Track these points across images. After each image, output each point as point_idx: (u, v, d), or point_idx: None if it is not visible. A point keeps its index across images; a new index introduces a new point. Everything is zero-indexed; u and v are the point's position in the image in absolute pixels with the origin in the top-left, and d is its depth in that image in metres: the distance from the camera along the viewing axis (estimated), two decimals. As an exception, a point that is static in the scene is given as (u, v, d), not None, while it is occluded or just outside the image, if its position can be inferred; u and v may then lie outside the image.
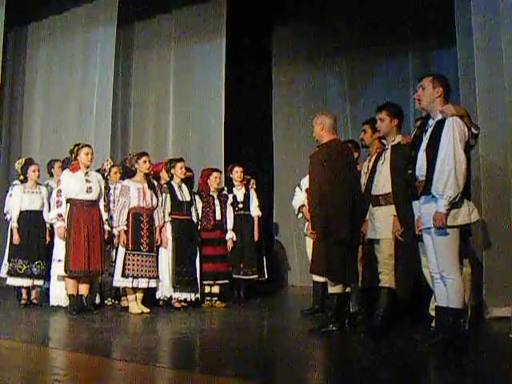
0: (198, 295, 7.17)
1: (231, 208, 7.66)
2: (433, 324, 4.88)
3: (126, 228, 6.80)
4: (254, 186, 8.12)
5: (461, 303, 4.48)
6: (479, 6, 6.48)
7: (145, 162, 6.95)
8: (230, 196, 7.73)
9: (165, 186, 7.19)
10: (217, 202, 7.51)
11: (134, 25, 10.05)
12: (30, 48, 10.47)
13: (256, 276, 7.78)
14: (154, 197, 6.96)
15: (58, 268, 6.77)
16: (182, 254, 7.03)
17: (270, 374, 4.09)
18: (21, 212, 7.19)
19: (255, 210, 7.89)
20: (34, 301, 7.29)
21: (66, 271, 6.61)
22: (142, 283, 6.77)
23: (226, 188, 7.87)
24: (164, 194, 7.10)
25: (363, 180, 5.56)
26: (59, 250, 6.76)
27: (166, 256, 7.01)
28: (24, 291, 7.25)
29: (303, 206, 6.88)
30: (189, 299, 7.06)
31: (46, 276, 7.13)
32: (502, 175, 6.33)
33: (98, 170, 7.42)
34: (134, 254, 6.75)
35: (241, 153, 9.81)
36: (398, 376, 4.05)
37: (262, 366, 4.33)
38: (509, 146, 6.27)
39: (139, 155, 7.02)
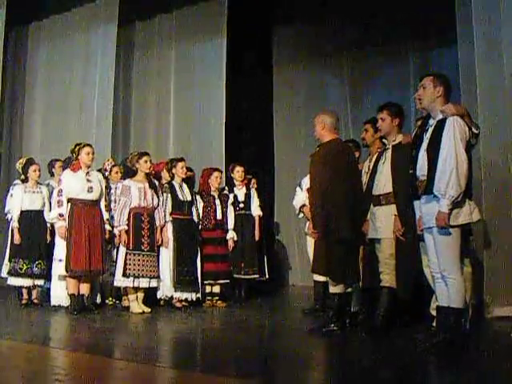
0: (199, 295, 7.16)
1: (232, 208, 7.66)
2: (434, 324, 4.87)
3: (126, 228, 6.80)
4: (255, 186, 8.13)
5: (462, 303, 4.48)
6: (479, 6, 6.48)
7: (146, 161, 6.95)
8: (231, 196, 7.73)
9: (166, 185, 7.19)
10: (218, 201, 7.51)
11: (135, 24, 10.06)
12: (30, 48, 10.48)
13: (257, 275, 7.78)
14: (155, 196, 6.96)
15: (58, 268, 6.77)
16: (182, 254, 7.04)
17: (270, 373, 4.09)
18: (22, 212, 7.20)
19: (256, 210, 7.89)
20: (35, 301, 7.29)
21: (66, 271, 6.62)
22: (143, 283, 6.78)
23: (226, 188, 7.87)
24: (165, 194, 7.10)
25: (364, 179, 5.56)
26: (60, 249, 6.77)
27: (166, 256, 7.01)
28: (25, 291, 7.25)
29: (304, 205, 6.87)
30: (190, 299, 7.06)
31: (47, 276, 7.13)
32: (503, 174, 6.33)
33: (99, 170, 7.42)
34: (134, 254, 6.75)
35: (241, 152, 9.81)
36: (399, 376, 4.05)
37: (263, 365, 4.33)
38: (509, 146, 6.28)
39: (140, 155, 7.02)
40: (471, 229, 5.12)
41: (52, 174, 7.74)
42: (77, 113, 9.59)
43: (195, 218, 7.28)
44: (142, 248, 6.79)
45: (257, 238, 7.83)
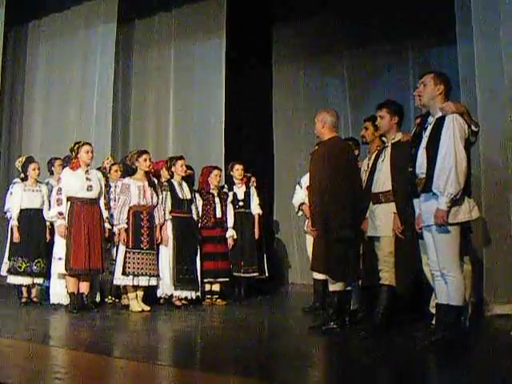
0: (199, 293, 7.17)
1: (231, 206, 7.66)
2: (433, 321, 4.87)
3: (126, 226, 6.81)
4: (255, 184, 8.13)
5: (461, 300, 4.48)
6: (479, 5, 6.48)
7: (145, 160, 6.95)
8: (231, 194, 7.73)
9: (165, 183, 7.19)
10: (217, 199, 7.51)
11: (135, 23, 10.05)
12: (30, 46, 10.47)
13: (256, 274, 7.79)
14: (155, 195, 6.96)
15: (58, 266, 6.77)
16: (182, 252, 7.04)
17: (270, 371, 4.09)
18: (21, 210, 7.20)
19: (256, 208, 7.89)
20: (35, 299, 7.29)
21: (66, 269, 6.61)
22: (143, 281, 6.78)
23: (226, 186, 7.87)
24: (164, 192, 7.10)
25: (363, 177, 5.56)
26: (59, 248, 6.76)
27: (166, 254, 7.02)
28: (24, 289, 7.26)
29: (303, 203, 6.88)
30: (189, 297, 7.07)
31: (47, 274, 7.13)
32: (503, 172, 6.33)
33: (99, 168, 7.43)
34: (134, 252, 6.75)
35: (241, 151, 9.81)
36: (399, 373, 4.05)
37: (263, 363, 4.33)
38: (509, 144, 6.27)
39: (139, 153, 7.02)
40: (471, 226, 5.12)
41: (51, 173, 7.74)
42: (76, 111, 9.59)
43: (195, 217, 7.28)
44: (142, 246, 6.79)
45: (256, 236, 7.83)
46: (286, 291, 9.66)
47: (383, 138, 5.49)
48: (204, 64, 9.46)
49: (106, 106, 9.13)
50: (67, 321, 6.33)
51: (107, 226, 6.89)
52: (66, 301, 6.79)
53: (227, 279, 7.52)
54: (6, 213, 7.38)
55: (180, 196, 7.16)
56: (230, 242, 7.55)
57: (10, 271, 7.16)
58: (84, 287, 6.75)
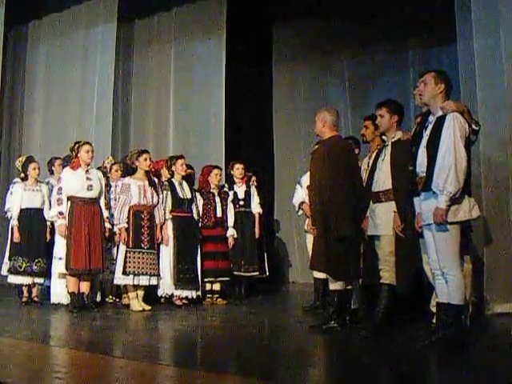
0: (200, 292, 7.17)
1: (232, 205, 7.66)
2: (434, 320, 4.88)
3: (126, 226, 6.81)
4: (255, 183, 8.12)
5: (462, 299, 4.48)
6: (479, 4, 6.47)
7: (145, 159, 6.95)
8: (231, 193, 7.73)
9: (165, 183, 7.20)
10: (217, 199, 7.51)
11: (134, 23, 10.05)
12: (30, 46, 10.47)
13: (257, 273, 7.78)
14: (155, 194, 6.97)
15: (58, 266, 6.77)
16: (183, 252, 7.04)
17: (271, 370, 4.09)
18: (21, 210, 7.20)
19: (256, 207, 7.88)
20: (35, 299, 7.30)
21: (67, 269, 6.62)
22: (143, 281, 6.78)
23: (226, 185, 7.87)
24: (165, 192, 7.10)
25: (364, 176, 5.56)
26: (60, 247, 6.77)
27: (167, 253, 7.02)
28: (25, 289, 7.26)
29: (303, 202, 6.89)
30: (190, 297, 7.07)
31: (47, 274, 7.14)
32: (503, 171, 6.33)
33: (99, 168, 7.43)
34: (134, 252, 6.76)
35: (241, 150, 9.82)
36: (399, 373, 4.05)
37: (264, 362, 4.33)
38: (509, 143, 6.27)
39: (140, 153, 7.02)
40: (471, 225, 5.12)
41: (52, 172, 7.75)
42: (76, 111, 9.59)
43: (195, 216, 7.28)
44: (142, 246, 6.80)
45: (257, 235, 7.82)
46: (286, 290, 9.66)
47: (383, 137, 5.49)
48: (204, 63, 9.46)
49: (106, 105, 9.13)
50: (68, 320, 6.34)
51: (107, 225, 6.89)
52: (66, 300, 6.79)
53: (228, 278, 7.52)
54: (6, 212, 7.38)
55: (180, 195, 7.16)
56: (231, 241, 7.55)
57: (11, 271, 7.17)
58: (84, 287, 6.75)
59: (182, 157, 7.31)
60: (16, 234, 7.16)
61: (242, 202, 7.80)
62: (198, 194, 7.43)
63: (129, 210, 6.84)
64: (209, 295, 7.39)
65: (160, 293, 7.06)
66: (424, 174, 4.54)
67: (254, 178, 8.17)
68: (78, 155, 6.81)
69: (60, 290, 6.86)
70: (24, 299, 7.24)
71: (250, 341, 5.21)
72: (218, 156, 8.72)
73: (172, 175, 7.26)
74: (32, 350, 4.76)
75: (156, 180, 7.14)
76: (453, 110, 4.46)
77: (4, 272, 7.33)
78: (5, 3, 9.12)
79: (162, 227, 7.02)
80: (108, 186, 7.16)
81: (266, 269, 7.98)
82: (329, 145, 5.43)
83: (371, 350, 4.78)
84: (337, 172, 5.26)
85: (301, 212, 7.16)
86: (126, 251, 6.75)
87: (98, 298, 7.19)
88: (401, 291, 5.16)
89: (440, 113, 4.53)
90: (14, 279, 7.23)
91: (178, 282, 6.97)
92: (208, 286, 7.41)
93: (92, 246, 6.64)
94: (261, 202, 8.00)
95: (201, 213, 7.36)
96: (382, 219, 5.17)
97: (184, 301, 7.04)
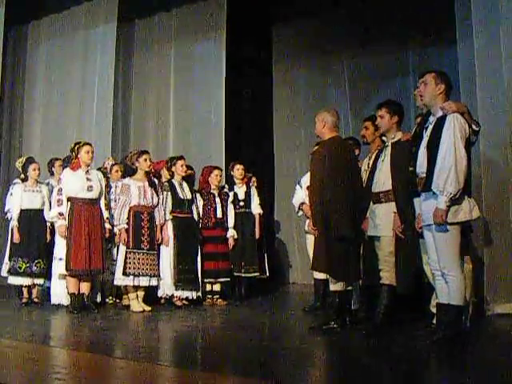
0: (200, 293, 7.17)
1: (232, 206, 7.66)
2: (434, 321, 4.88)
3: (126, 226, 6.81)
4: (255, 184, 8.12)
5: (462, 300, 4.49)
6: (479, 5, 6.47)
7: (145, 160, 6.95)
8: (231, 194, 7.72)
9: (166, 184, 7.19)
10: (218, 199, 7.51)
11: (134, 23, 10.04)
12: (29, 47, 10.47)
13: (257, 274, 7.77)
14: (155, 195, 6.97)
15: (58, 267, 6.77)
16: (183, 252, 7.04)
17: (271, 371, 4.09)
18: (21, 211, 7.20)
19: (256, 208, 7.88)
20: (35, 299, 7.30)
21: (67, 270, 6.61)
22: (143, 281, 6.78)
23: (226, 186, 7.86)
24: (165, 192, 7.10)
25: (364, 177, 5.56)
26: (60, 248, 6.76)
27: (167, 254, 7.02)
28: (25, 290, 7.26)
29: (303, 203, 6.89)
30: (190, 297, 7.07)
31: (47, 275, 7.14)
32: (503, 172, 6.33)
33: (99, 169, 7.43)
34: (134, 253, 6.76)
35: (241, 151, 9.83)
36: (399, 373, 4.05)
37: (264, 363, 4.33)
38: (509, 143, 6.27)
39: (140, 153, 7.02)
40: (471, 226, 5.12)
41: (52, 173, 7.74)
42: (76, 111, 9.59)
43: (195, 217, 7.28)
44: (142, 247, 6.80)
45: (257, 236, 7.82)
46: (286, 291, 9.65)
47: (383, 138, 5.49)
48: (204, 64, 9.46)
49: (106, 105, 9.12)
50: (68, 321, 6.34)
51: (108, 226, 6.89)
52: (66, 301, 6.79)
53: (228, 279, 7.51)
54: (6, 213, 7.38)
55: (180, 196, 7.16)
56: (231, 242, 7.54)
57: (11, 272, 7.17)
58: (84, 288, 6.75)
59: (182, 157, 7.31)
60: (16, 235, 7.16)
61: (242, 203, 7.80)
62: (198, 195, 7.43)
63: (129, 211, 6.84)
64: (209, 296, 7.38)
65: (160, 293, 7.06)
66: (424, 175, 4.54)
67: (254, 179, 8.17)
68: (78, 156, 6.81)
69: (60, 291, 6.85)
70: (24, 300, 7.24)
71: (250, 341, 5.20)
72: (218, 156, 8.71)
73: (172, 176, 7.26)
74: (32, 350, 4.76)
75: (156, 181, 7.14)
76: (453, 111, 4.46)
77: (4, 273, 7.33)
78: (5, 3, 9.11)
79: (162, 228, 7.02)
80: (108, 186, 7.16)
81: (267, 269, 7.98)
82: (329, 145, 5.43)
83: (371, 350, 4.78)
84: (337, 173, 5.26)
85: (301, 213, 7.16)
86: (126, 252, 6.75)
87: (98, 299, 7.18)
88: (401, 292, 5.16)
89: (440, 113, 4.54)
90: (13, 280, 7.23)
91: (178, 283, 6.97)
92: (208, 287, 7.40)
93: (92, 246, 6.64)
94: (261, 202, 7.99)
95: (201, 213, 7.36)
96: (382, 220, 5.18)
97: (184, 301, 7.04)
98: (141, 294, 6.85)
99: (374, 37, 9.38)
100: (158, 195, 7.00)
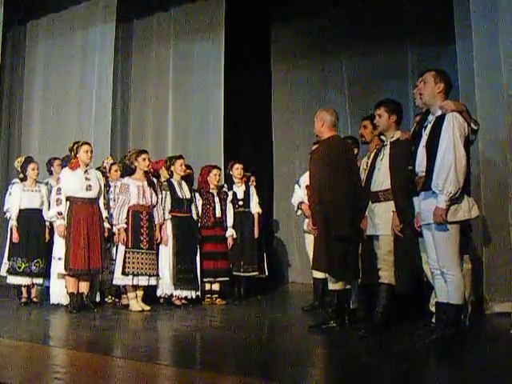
0: (199, 293, 7.18)
1: (231, 205, 7.66)
2: (433, 320, 4.88)
3: (125, 226, 6.81)
4: (254, 183, 8.12)
5: (461, 299, 4.49)
6: (478, 4, 6.48)
7: (144, 159, 6.95)
8: (230, 193, 7.72)
9: (165, 183, 7.20)
10: (217, 199, 7.51)
11: (133, 23, 10.04)
12: (28, 46, 10.45)
13: (256, 273, 7.78)
14: (154, 194, 6.97)
15: (57, 266, 6.76)
16: (182, 252, 7.04)
17: (270, 370, 4.09)
18: (20, 210, 7.20)
19: (255, 207, 7.88)
20: (35, 299, 7.30)
21: (66, 269, 6.61)
22: (142, 281, 6.78)
23: (225, 185, 7.86)
24: (164, 192, 7.10)
25: (362, 176, 5.56)
26: (59, 248, 6.76)
27: (166, 254, 7.02)
28: (24, 289, 7.26)
29: (302, 202, 6.90)
30: (189, 297, 7.07)
31: (46, 274, 7.13)
32: (502, 171, 6.33)
33: (98, 168, 7.42)
34: (133, 252, 6.75)
35: (240, 150, 9.82)
36: (398, 372, 4.05)
37: (263, 363, 4.33)
38: (508, 142, 6.27)
39: (139, 153, 7.02)
40: (471, 225, 5.13)
41: (51, 173, 7.74)
42: (75, 111, 9.58)
43: (194, 216, 7.28)
44: (141, 246, 6.80)
45: (256, 235, 7.82)
46: (285, 290, 9.66)
47: (382, 137, 5.49)
48: (203, 64, 9.45)
49: (104, 105, 9.12)
50: (67, 321, 6.33)
51: (107, 225, 6.89)
52: (65, 301, 6.79)
53: (227, 279, 7.51)
54: (5, 213, 7.38)
55: (179, 195, 7.16)
56: (230, 241, 7.54)
57: (10, 271, 7.17)
58: (84, 287, 6.75)
59: (181, 157, 7.31)
60: (15, 235, 7.16)
61: (241, 202, 7.79)
62: (197, 194, 7.43)
63: (128, 211, 6.84)
64: (208, 295, 7.39)
65: (159, 293, 7.07)
66: (423, 174, 4.54)
67: (253, 178, 8.18)
68: (77, 155, 6.80)
69: (59, 291, 6.85)
70: (23, 300, 7.24)
71: (250, 341, 5.21)
72: (216, 156, 8.71)
73: (171, 175, 7.26)
74: (31, 350, 4.76)
75: (155, 180, 7.14)
76: (452, 110, 4.46)
77: (3, 273, 7.32)
78: (3, 3, 9.10)
79: (161, 227, 7.02)
80: (107, 186, 7.16)
81: (266, 269, 7.98)
82: (328, 145, 5.44)
83: (370, 349, 4.78)
84: (336, 172, 5.26)
85: (300, 212, 7.17)
86: (125, 251, 6.75)
87: (98, 299, 7.18)
88: (400, 291, 5.16)
89: (439, 112, 4.54)
90: (13, 280, 7.23)
91: (178, 282, 6.97)
92: (207, 286, 7.40)
93: (91, 246, 6.64)
94: (260, 202, 7.99)
95: (200, 213, 7.36)
96: (381, 219, 5.17)
97: (183, 301, 7.05)
98: (140, 293, 6.84)
99: (373, 36, 9.38)
100: (156, 195, 7.00)
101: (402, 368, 4.13)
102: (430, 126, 4.59)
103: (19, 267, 7.10)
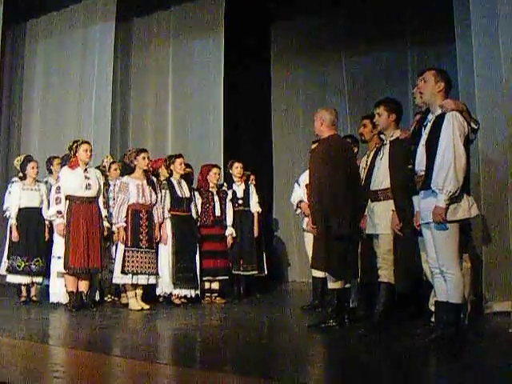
0: (198, 291, 7.18)
1: (231, 204, 7.66)
2: (432, 319, 4.88)
3: (125, 225, 6.80)
4: (254, 182, 8.12)
5: (460, 298, 4.49)
6: (478, 4, 6.47)
7: (144, 158, 6.95)
8: (230, 192, 7.72)
9: (164, 182, 7.19)
10: (216, 198, 7.51)
11: (133, 21, 10.04)
12: (28, 45, 10.46)
13: (256, 272, 7.79)
14: (153, 193, 6.96)
15: (57, 265, 6.75)
16: (181, 251, 7.04)
17: (269, 369, 4.09)
18: (20, 209, 7.20)
19: (255, 206, 7.88)
20: (34, 298, 7.30)
21: (65, 268, 6.60)
22: (142, 280, 6.78)
23: (225, 184, 7.87)
24: (163, 191, 7.10)
25: (362, 175, 5.56)
26: (58, 247, 6.75)
27: (165, 252, 7.02)
28: (23, 288, 7.26)
29: (301, 201, 6.91)
30: (189, 295, 7.07)
31: (45, 273, 7.13)
32: (502, 170, 6.33)
33: (98, 167, 7.42)
34: (133, 251, 6.75)
35: (240, 149, 9.82)
36: (398, 371, 4.05)
37: (262, 361, 4.33)
38: (508, 141, 6.27)
39: (138, 151, 7.02)
40: (470, 224, 5.12)
41: (50, 172, 7.73)
42: (75, 110, 9.59)
43: (194, 215, 7.27)
44: (141, 245, 6.79)
45: (255, 234, 7.82)
46: (285, 289, 9.66)
47: (381, 136, 5.49)
48: (202, 62, 9.46)
49: (104, 104, 9.13)
50: (66, 319, 6.33)
51: (106, 224, 6.88)
52: (65, 300, 6.78)
53: (226, 277, 7.51)
54: (4, 212, 7.38)
55: (179, 194, 7.16)
56: (230, 240, 7.54)
57: (9, 270, 7.17)
58: (83, 286, 6.74)
59: (180, 156, 7.31)
60: (14, 234, 7.16)
61: (240, 201, 7.80)
62: (196, 193, 7.43)
63: (127, 209, 6.84)
64: (207, 294, 7.39)
65: (159, 292, 7.07)
66: (423, 173, 4.54)
67: (252, 177, 8.18)
68: (77, 154, 6.79)
69: (59, 289, 6.84)
70: (23, 298, 7.24)
71: (249, 340, 5.21)
72: (216, 155, 8.72)
73: (171, 174, 7.26)
74: (31, 349, 4.76)
75: (154, 179, 7.14)
76: (452, 109, 4.46)
77: (3, 271, 7.32)
78: (3, 2, 9.10)
79: (160, 226, 7.02)
80: (107, 184, 7.15)
81: (265, 268, 7.99)
82: (327, 144, 5.43)
83: (370, 348, 4.78)
84: (336, 171, 5.26)
85: (299, 211, 7.17)
86: (125, 250, 6.74)
87: (97, 297, 7.18)
88: (399, 289, 5.16)
89: (439, 111, 4.53)
90: (12, 278, 7.23)
91: (177, 281, 6.97)
92: (207, 285, 7.40)
93: (90, 244, 6.64)
94: (259, 200, 7.99)
95: (199, 212, 7.36)
96: (381, 218, 5.17)
97: (183, 300, 7.04)
98: (139, 292, 6.84)
99: (373, 36, 9.40)
100: (156, 193, 7.00)
101: (401, 367, 4.13)
102: (429, 125, 4.59)
103: (19, 266, 7.10)
